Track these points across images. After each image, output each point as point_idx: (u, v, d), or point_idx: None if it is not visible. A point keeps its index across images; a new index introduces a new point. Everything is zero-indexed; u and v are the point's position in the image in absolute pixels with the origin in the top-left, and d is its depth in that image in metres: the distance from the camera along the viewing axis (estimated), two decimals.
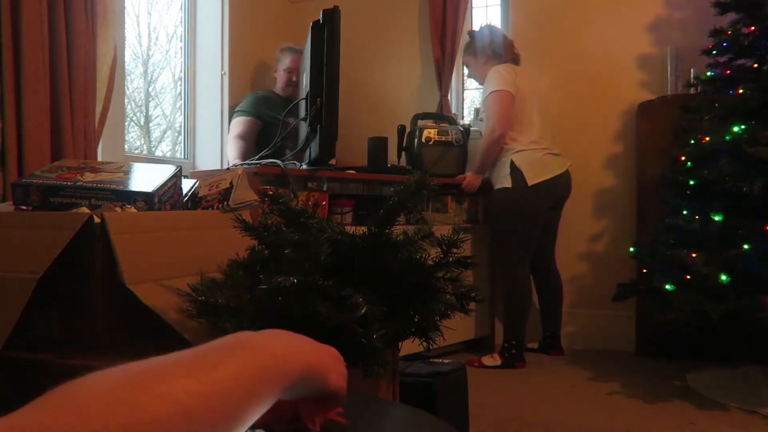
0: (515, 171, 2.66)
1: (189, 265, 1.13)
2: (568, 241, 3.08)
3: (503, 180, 2.70)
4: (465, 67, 3.07)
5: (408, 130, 3.04)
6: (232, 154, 2.89)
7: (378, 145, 2.78)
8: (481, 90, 2.91)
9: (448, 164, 2.90)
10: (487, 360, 2.71)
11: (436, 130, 2.95)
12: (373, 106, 3.44)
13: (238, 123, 2.93)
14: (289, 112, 2.57)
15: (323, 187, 2.39)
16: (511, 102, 2.68)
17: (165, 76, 3.15)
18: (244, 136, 2.90)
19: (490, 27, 2.92)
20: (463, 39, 3.35)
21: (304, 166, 2.32)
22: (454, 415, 1.62)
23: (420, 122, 3.05)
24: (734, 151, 2.17)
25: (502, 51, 2.84)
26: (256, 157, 2.53)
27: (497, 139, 2.69)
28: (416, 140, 2.94)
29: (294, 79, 3.00)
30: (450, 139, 2.94)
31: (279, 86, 3.09)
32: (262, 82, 3.29)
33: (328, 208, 2.44)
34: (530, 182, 2.65)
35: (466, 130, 3.04)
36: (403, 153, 3.02)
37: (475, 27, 3.44)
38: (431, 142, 2.92)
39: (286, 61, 3.03)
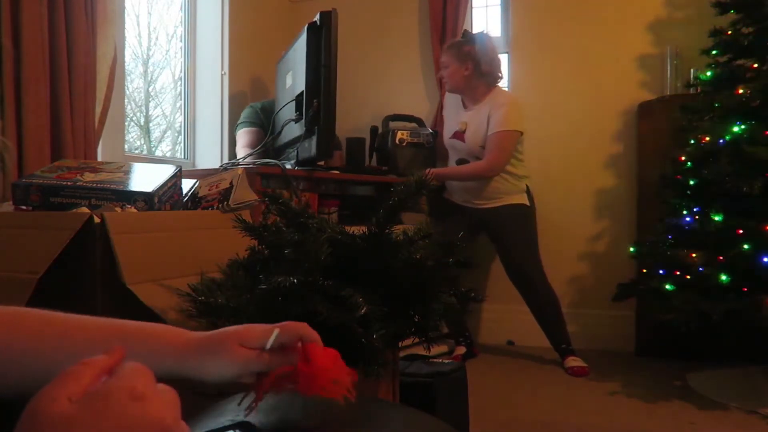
0: (529, 194, 2.79)
1: (189, 265, 1.13)
2: (568, 241, 3.09)
3: (519, 197, 2.76)
4: (442, 67, 2.81)
5: (380, 130, 3.05)
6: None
7: (356, 146, 2.80)
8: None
9: (420, 165, 2.90)
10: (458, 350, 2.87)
11: (409, 131, 2.96)
12: (372, 107, 3.44)
13: (244, 134, 2.91)
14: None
15: (299, 186, 2.40)
16: (516, 142, 2.69)
17: (165, 76, 3.14)
18: (252, 145, 2.87)
19: (490, 38, 2.77)
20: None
21: (289, 166, 2.31)
22: (454, 415, 1.62)
23: (392, 123, 3.06)
24: (734, 151, 2.17)
25: (499, 72, 2.75)
26: (243, 158, 2.53)
27: (489, 176, 2.72)
28: (389, 141, 2.94)
29: None
30: (422, 141, 2.97)
31: None
32: (262, 86, 3.29)
33: (317, 208, 2.45)
34: (536, 207, 2.84)
35: (435, 132, 3.05)
36: (374, 153, 3.04)
37: (470, 29, 3.44)
38: (404, 144, 2.93)
39: None
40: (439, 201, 2.97)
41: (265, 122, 2.93)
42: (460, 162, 2.82)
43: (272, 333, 0.58)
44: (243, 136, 2.92)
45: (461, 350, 2.84)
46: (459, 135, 2.79)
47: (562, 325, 2.76)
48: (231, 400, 0.65)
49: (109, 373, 0.38)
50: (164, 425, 0.36)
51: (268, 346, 0.57)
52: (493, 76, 2.74)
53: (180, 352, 0.57)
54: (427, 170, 2.75)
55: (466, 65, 2.70)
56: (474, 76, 2.71)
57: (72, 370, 0.37)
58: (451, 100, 2.91)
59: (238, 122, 2.98)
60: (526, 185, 2.79)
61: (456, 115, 2.85)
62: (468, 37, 2.77)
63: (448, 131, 2.88)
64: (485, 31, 2.81)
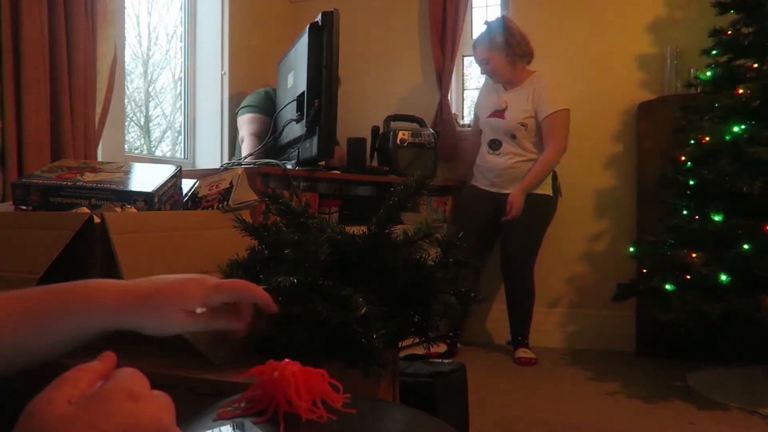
0: (556, 181, 2.82)
1: (189, 265, 1.13)
2: (568, 241, 3.09)
3: (542, 187, 2.79)
4: (483, 64, 2.85)
5: (382, 131, 3.06)
6: (247, 153, 2.68)
7: (357, 146, 2.81)
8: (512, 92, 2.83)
9: (422, 166, 2.91)
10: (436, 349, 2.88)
11: (411, 131, 2.97)
12: (373, 107, 3.44)
13: (251, 120, 2.79)
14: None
15: (300, 186, 2.40)
16: (569, 119, 2.77)
17: (165, 76, 3.14)
18: (259, 135, 2.75)
19: (510, 19, 2.87)
20: (464, 38, 3.35)
21: (290, 166, 2.31)
22: (454, 415, 1.62)
23: (393, 123, 3.06)
24: (734, 151, 2.17)
25: (531, 49, 2.82)
26: (245, 157, 2.52)
27: (560, 157, 2.77)
28: (391, 141, 2.95)
29: None
30: (423, 141, 2.97)
31: None
32: (262, 86, 3.29)
33: (318, 208, 2.45)
34: (562, 193, 2.86)
35: (436, 132, 3.07)
36: (375, 153, 3.05)
37: (470, 29, 3.45)
38: (406, 144, 2.94)
39: None
40: (462, 194, 3.02)
41: (274, 111, 2.83)
42: (492, 142, 2.87)
43: (208, 296, 0.62)
44: (249, 122, 2.80)
45: (441, 348, 2.82)
46: (498, 114, 2.85)
47: (529, 320, 2.87)
48: (230, 399, 0.65)
49: (104, 378, 0.40)
50: (161, 425, 0.37)
51: (198, 311, 0.61)
52: (529, 53, 2.82)
53: (117, 308, 0.59)
54: (510, 202, 2.72)
55: (505, 51, 2.77)
56: (514, 60, 2.79)
57: (68, 374, 0.38)
58: (487, 85, 2.98)
59: (243, 105, 2.87)
60: (554, 171, 2.80)
61: (495, 96, 2.89)
62: (492, 27, 2.83)
63: (485, 111, 2.92)
64: (504, 14, 2.92)
